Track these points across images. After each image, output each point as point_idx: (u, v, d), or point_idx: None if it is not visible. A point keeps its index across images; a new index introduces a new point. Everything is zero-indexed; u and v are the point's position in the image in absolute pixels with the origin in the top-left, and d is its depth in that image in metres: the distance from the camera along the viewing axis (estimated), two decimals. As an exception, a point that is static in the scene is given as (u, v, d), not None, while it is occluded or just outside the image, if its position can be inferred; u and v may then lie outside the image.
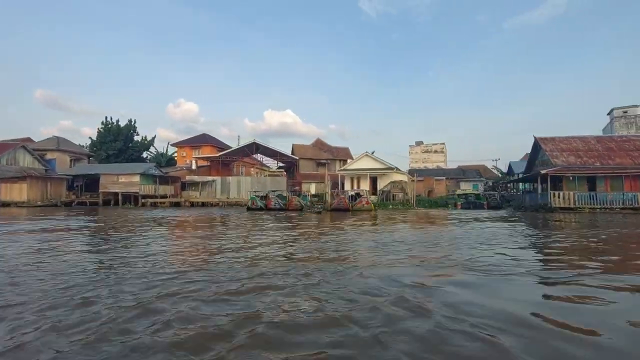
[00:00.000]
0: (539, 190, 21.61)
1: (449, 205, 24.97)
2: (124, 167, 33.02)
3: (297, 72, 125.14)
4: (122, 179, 31.36)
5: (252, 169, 50.18)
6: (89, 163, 37.40)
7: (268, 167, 48.09)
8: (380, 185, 32.33)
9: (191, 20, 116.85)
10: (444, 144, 77.12)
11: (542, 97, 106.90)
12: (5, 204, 28.94)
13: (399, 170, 33.56)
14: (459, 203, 23.99)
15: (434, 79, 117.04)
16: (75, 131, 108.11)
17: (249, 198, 21.28)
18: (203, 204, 30.73)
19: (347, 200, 19.54)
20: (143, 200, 30.49)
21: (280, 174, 39.27)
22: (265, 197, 20.91)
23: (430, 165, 68.58)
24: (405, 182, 31.37)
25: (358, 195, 21.48)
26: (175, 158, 48.55)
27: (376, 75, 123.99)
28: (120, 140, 39.38)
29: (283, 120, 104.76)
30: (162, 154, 46.83)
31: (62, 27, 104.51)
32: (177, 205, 30.29)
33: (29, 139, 42.98)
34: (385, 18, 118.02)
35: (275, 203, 19.38)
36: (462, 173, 47.82)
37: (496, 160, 65.29)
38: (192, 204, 30.34)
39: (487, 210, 21.91)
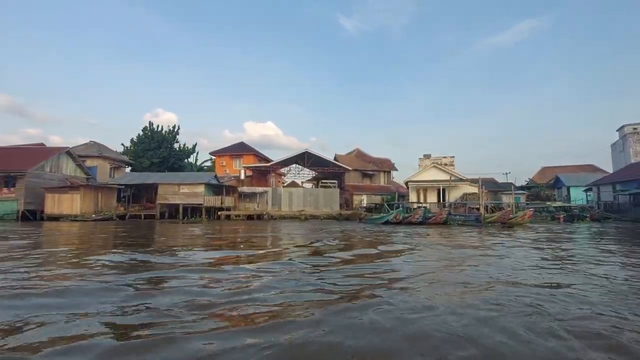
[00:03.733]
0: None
1: (547, 219, 24.96)
2: (184, 177, 30.26)
3: (277, 85, 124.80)
4: (184, 189, 28.62)
5: (279, 180, 48.35)
6: (130, 171, 33.87)
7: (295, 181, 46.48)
8: (450, 197, 32.06)
9: (166, 31, 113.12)
10: (453, 157, 79.30)
11: (508, 112, 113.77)
12: (53, 218, 25.25)
13: (467, 181, 33.47)
14: (561, 216, 24.05)
15: (406, 94, 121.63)
16: (44, 139, 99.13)
17: (395, 211, 19.31)
18: (285, 217, 28.61)
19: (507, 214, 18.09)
20: (223, 213, 27.87)
21: (333, 186, 37.86)
22: (407, 210, 19.51)
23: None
24: (475, 193, 31.33)
25: (477, 209, 20.85)
26: (205, 166, 45.68)
27: (353, 89, 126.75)
28: (164, 147, 36.20)
29: (264, 132, 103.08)
30: (191, 164, 43.83)
31: (31, 34, 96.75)
32: (255, 218, 28.00)
33: (42, 144, 38.47)
34: (363, 35, 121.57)
35: (420, 216, 18.15)
36: (495, 185, 48.96)
37: (507, 173, 67.74)
38: (272, 217, 28.20)
39: (592, 222, 21.96)
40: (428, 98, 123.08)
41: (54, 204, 25.49)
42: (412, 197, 33.10)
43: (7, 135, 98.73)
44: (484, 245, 8.89)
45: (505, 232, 13.36)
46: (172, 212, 29.73)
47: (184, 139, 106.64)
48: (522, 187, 48.72)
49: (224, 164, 40.49)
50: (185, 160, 40.30)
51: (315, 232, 13.59)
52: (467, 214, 19.78)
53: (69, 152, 28.33)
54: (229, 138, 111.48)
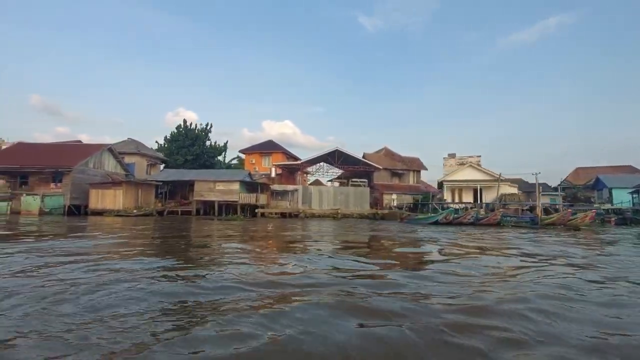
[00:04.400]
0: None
1: (596, 222, 23.84)
2: (219, 174, 30.65)
3: (296, 85, 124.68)
4: (220, 187, 28.96)
5: (304, 178, 48.32)
6: (165, 168, 34.57)
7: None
8: (486, 197, 31.20)
9: (188, 30, 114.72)
10: (479, 156, 77.19)
11: (532, 111, 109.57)
12: (97, 213, 26.00)
13: (506, 181, 32.49)
14: (613, 219, 22.96)
15: (425, 93, 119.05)
16: (72, 137, 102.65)
17: (446, 212, 18.86)
18: (319, 216, 28.52)
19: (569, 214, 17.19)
20: (260, 211, 28.14)
21: (363, 185, 37.52)
22: (458, 211, 19.03)
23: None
24: (514, 194, 30.40)
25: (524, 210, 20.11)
26: (232, 164, 46.13)
27: (371, 89, 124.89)
28: (198, 145, 36.80)
29: (282, 131, 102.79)
30: (220, 161, 44.34)
31: (57, 35, 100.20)
32: (288, 216, 28.02)
33: (79, 141, 39.76)
34: (382, 34, 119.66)
35: (472, 217, 17.65)
36: (528, 185, 47.45)
37: (536, 174, 65.33)
38: (307, 215, 28.16)
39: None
40: (446, 97, 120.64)
41: (97, 199, 26.24)
42: (447, 197, 32.42)
43: (40, 133, 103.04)
44: (594, 255, 7.49)
45: (579, 236, 12.71)
46: (207, 209, 30.15)
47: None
48: (555, 189, 47.02)
49: (253, 161, 40.75)
50: (216, 158, 40.79)
51: (377, 233, 13.36)
52: (519, 215, 19.09)
53: (110, 149, 29.12)
54: (247, 137, 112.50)
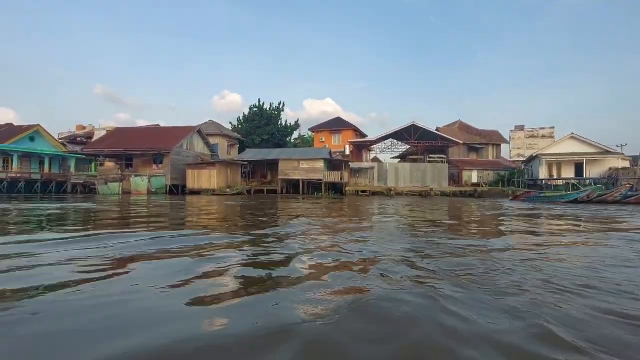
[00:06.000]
0: None
1: None
2: (303, 152, 30.74)
3: (334, 60, 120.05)
4: (304, 165, 29.01)
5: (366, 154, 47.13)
6: (243, 148, 35.49)
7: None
8: (589, 172, 28.13)
9: (228, 12, 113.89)
10: (553, 128, 70.55)
11: (614, 76, 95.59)
12: (194, 192, 27.38)
13: (619, 154, 28.96)
14: None
15: (478, 62, 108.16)
16: (132, 123, 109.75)
17: (590, 189, 17.07)
18: (407, 194, 27.66)
19: None
20: (349, 189, 27.99)
21: (441, 161, 35.73)
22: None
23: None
24: (628, 168, 27.00)
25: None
26: (297, 143, 46.20)
27: (417, 61, 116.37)
28: (272, 124, 37.23)
29: (323, 109, 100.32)
30: (287, 141, 44.59)
31: (115, 24, 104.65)
32: (379, 194, 27.43)
33: (157, 125, 41.85)
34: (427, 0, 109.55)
35: (621, 195, 15.71)
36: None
37: (622, 145, 58.24)
38: (398, 193, 27.41)
39: None
40: (503, 65, 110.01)
41: (194, 179, 27.57)
42: (542, 173, 29.76)
43: (105, 120, 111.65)
44: None
45: None
46: (289, 187, 30.55)
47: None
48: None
49: (323, 139, 40.42)
50: (288, 137, 41.05)
51: (531, 215, 12.25)
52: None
53: (199, 131, 30.22)
54: (290, 116, 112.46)
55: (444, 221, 8.21)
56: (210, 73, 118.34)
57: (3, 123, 36.44)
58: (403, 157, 47.11)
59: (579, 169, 29.02)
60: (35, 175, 29.12)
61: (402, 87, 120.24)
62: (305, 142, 46.90)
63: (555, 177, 29.40)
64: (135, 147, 27.23)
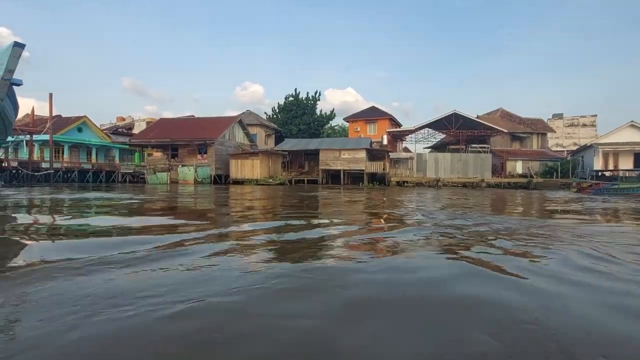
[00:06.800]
0: None
1: None
2: (343, 142, 30.37)
3: (355, 48, 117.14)
4: (345, 155, 28.66)
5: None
6: (280, 138, 35.45)
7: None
8: (651, 163, 26.35)
9: (248, 2, 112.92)
10: (595, 116, 66.92)
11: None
12: (237, 182, 27.61)
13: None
14: None
15: (508, 48, 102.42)
16: (158, 114, 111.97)
17: None
18: (471, 186, 26.83)
19: None
20: (394, 179, 27.64)
21: (484, 151, 34.44)
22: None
23: (582, 142, 59.80)
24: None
25: None
26: (330, 132, 45.71)
27: (441, 49, 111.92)
28: (308, 114, 36.98)
29: (344, 99, 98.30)
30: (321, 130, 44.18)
31: (141, 19, 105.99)
32: (410, 185, 26.81)
33: (192, 116, 42.36)
34: None
35: None
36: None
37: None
38: (445, 184, 26.70)
39: None
40: (535, 51, 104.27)
41: (237, 169, 27.78)
42: (597, 164, 28.16)
43: (134, 112, 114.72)
44: None
45: None
46: (329, 178, 30.33)
47: (268, 109, 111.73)
48: None
49: (358, 129, 39.79)
50: (323, 127, 40.69)
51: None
52: None
53: (240, 121, 30.31)
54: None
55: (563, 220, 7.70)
56: (231, 65, 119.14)
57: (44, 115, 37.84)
58: (436, 148, 45.91)
59: (638, 159, 27.28)
60: (86, 165, 30.19)
61: (425, 76, 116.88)
62: (337, 132, 46.41)
63: (611, 168, 27.75)
64: (180, 138, 27.65)
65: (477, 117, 39.21)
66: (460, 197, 13.19)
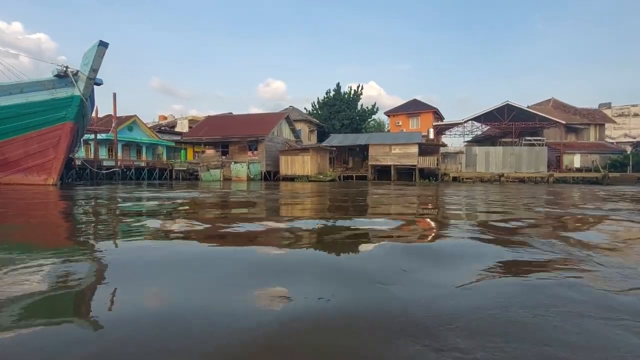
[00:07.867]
0: None
1: None
2: (394, 137, 29.65)
3: (377, 42, 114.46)
4: (396, 150, 27.91)
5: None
6: (325, 133, 35.13)
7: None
8: None
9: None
10: (647, 104, 62.31)
11: None
12: (288, 178, 27.45)
13: None
14: None
15: (535, 36, 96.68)
16: (185, 113, 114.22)
17: None
18: (534, 181, 25.55)
19: None
20: (452, 175, 26.85)
21: (539, 144, 32.67)
22: None
23: (633, 133, 55.91)
24: None
25: None
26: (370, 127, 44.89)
27: (466, 39, 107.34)
28: (351, 109, 36.49)
29: (367, 93, 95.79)
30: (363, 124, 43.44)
31: (165, 21, 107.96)
32: (463, 180, 25.69)
33: (230, 113, 42.60)
34: None
35: None
36: None
37: None
38: (508, 180, 25.50)
39: None
40: (563, 39, 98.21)
41: (287, 166, 27.62)
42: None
43: (162, 111, 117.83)
44: None
45: None
46: (377, 174, 29.65)
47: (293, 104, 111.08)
48: None
49: (400, 123, 38.83)
50: (365, 121, 40.04)
51: None
52: None
53: (287, 117, 30.12)
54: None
55: None
56: (254, 62, 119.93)
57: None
58: (477, 141, 44.13)
59: None
60: (137, 163, 30.97)
61: (449, 68, 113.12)
62: (374, 127, 45.54)
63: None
64: (231, 135, 27.77)
65: (528, 108, 37.33)
66: (552, 199, 11.92)
